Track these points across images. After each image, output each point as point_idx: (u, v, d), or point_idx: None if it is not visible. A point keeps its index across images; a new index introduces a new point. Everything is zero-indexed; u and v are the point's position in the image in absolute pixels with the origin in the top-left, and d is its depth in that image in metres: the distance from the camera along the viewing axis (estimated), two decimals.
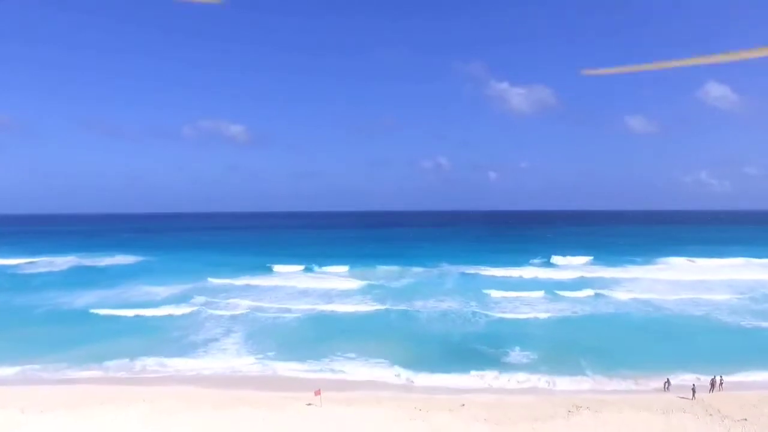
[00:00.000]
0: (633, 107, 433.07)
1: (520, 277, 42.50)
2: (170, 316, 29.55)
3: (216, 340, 24.85)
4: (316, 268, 48.30)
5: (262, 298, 34.50)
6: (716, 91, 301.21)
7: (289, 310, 31.13)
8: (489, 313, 29.66)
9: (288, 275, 44.75)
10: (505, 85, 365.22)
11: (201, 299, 33.66)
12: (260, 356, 22.36)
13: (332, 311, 31.14)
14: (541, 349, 22.48)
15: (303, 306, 32.30)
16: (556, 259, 53.03)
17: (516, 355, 22.08)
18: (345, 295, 35.68)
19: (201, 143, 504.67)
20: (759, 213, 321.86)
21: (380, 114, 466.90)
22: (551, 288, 36.58)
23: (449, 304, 32.38)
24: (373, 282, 40.04)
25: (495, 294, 34.53)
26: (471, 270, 44.55)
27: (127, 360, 21.71)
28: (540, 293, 34.88)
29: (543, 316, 29.10)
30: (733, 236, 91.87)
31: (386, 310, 30.98)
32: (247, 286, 39.49)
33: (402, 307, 31.51)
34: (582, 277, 41.90)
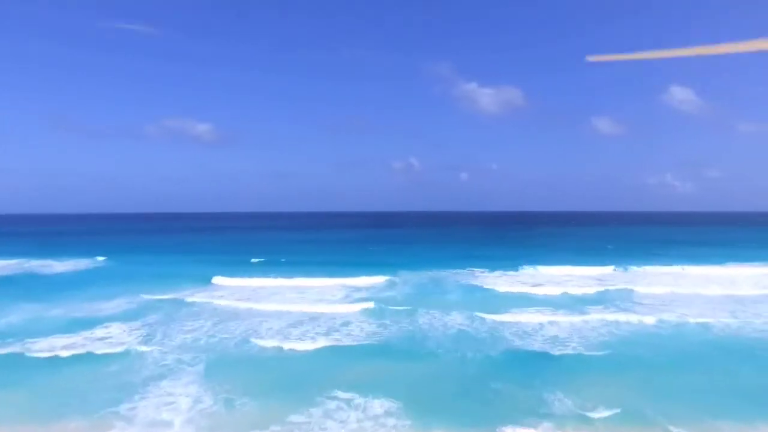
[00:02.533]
0: (600, 109, 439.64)
1: (524, 285, 38.12)
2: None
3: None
4: (292, 278, 41.25)
5: (222, 321, 26.08)
6: (680, 95, 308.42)
7: (252, 342, 22.06)
8: (505, 335, 23.19)
9: (256, 290, 35.68)
10: (473, 86, 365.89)
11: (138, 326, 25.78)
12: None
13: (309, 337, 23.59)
14: (587, 392, 16.28)
15: (271, 341, 22.31)
16: (547, 269, 49.16)
17: (557, 400, 15.70)
18: (323, 321, 27.23)
19: (166, 142, 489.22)
20: (721, 214, 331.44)
21: (351, 114, 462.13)
22: (565, 304, 31.42)
23: (455, 320, 25.71)
24: (358, 295, 33.26)
25: (502, 312, 28.57)
26: (469, 279, 40.14)
27: None
28: (553, 310, 30.24)
29: (571, 342, 22.18)
30: (713, 239, 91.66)
31: (381, 335, 23.39)
32: (205, 305, 30.19)
33: (401, 330, 24.37)
34: (603, 290, 37.39)
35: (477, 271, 43.85)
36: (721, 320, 25.10)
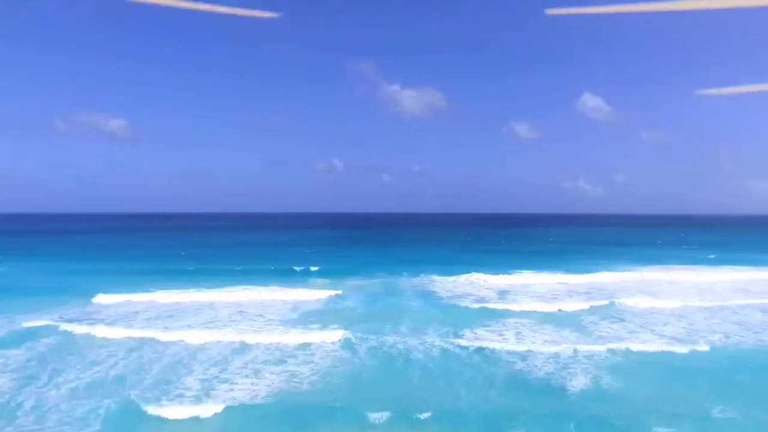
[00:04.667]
0: (519, 114, 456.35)
1: (483, 295, 34.25)
2: None
3: None
4: (217, 290, 33.45)
5: (107, 362, 19.72)
6: (591, 102, 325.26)
7: (150, 411, 15.64)
8: (482, 347, 18.82)
9: (166, 310, 28.30)
10: (396, 87, 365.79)
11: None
12: None
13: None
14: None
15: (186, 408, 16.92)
16: (494, 277, 46.14)
17: None
18: (277, 361, 21.32)
19: (76, 137, 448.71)
20: (628, 216, 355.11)
21: (272, 112, 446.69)
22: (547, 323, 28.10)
23: (424, 337, 20.74)
24: (309, 312, 28.11)
25: (471, 316, 24.73)
26: (423, 284, 35.93)
27: None
28: (523, 321, 26.55)
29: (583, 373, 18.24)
30: (635, 240, 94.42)
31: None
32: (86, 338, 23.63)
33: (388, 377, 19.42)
34: (591, 290, 34.51)
35: (428, 278, 39.51)
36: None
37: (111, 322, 23.88)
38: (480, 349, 20.03)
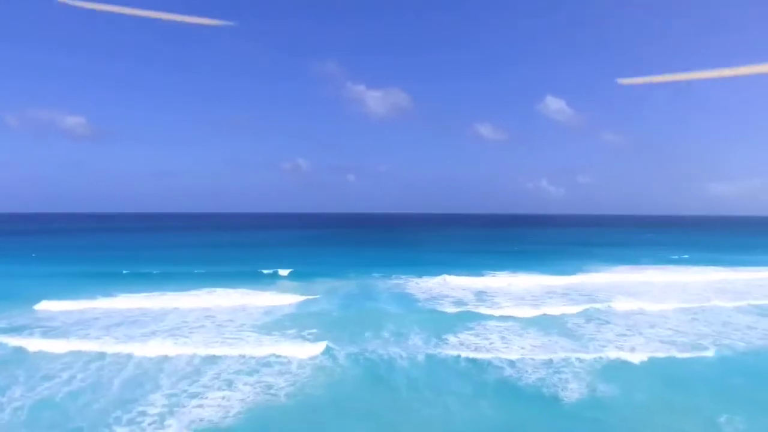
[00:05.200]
0: (483, 115, 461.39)
1: (460, 297, 33.26)
2: None
3: None
4: (181, 294, 31.56)
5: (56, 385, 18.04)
6: (554, 105, 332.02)
7: None
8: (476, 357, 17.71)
9: (123, 318, 26.22)
10: (362, 88, 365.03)
11: None
12: None
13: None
14: None
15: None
16: (469, 279, 45.44)
17: None
18: (257, 380, 19.65)
19: (31, 135, 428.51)
20: (590, 216, 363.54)
21: (237, 112, 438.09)
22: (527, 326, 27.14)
23: (407, 345, 19.46)
24: (283, 317, 26.52)
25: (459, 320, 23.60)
26: (398, 286, 34.65)
27: None
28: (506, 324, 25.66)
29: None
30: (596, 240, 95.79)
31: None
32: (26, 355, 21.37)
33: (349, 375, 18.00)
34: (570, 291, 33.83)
35: (402, 279, 38.34)
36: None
37: (55, 333, 21.71)
38: (466, 357, 18.96)
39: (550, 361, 18.34)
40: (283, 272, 40.31)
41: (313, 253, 63.25)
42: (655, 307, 28.00)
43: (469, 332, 22.74)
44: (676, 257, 58.45)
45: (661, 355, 19.20)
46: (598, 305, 28.18)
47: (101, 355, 18.62)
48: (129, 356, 18.58)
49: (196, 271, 40.59)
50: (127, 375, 16.85)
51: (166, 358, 18.31)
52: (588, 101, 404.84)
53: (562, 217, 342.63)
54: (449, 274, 40.66)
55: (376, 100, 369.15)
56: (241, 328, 22.95)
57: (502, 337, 21.88)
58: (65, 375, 16.74)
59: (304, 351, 19.31)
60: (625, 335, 22.27)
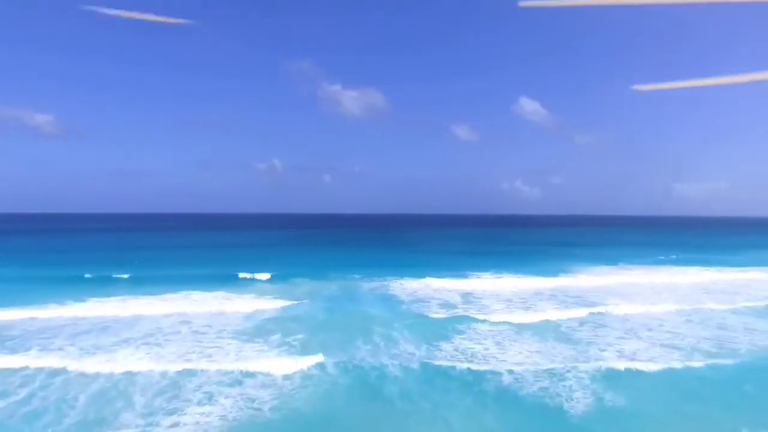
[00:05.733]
0: (459, 116, 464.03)
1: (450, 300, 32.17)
2: None
3: None
4: (151, 298, 29.66)
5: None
6: (528, 106, 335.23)
7: None
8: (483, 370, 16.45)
9: (89, 322, 24.45)
10: (337, 87, 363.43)
11: None
12: None
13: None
14: None
15: None
16: (453, 281, 44.58)
17: None
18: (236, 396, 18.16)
19: None
20: (564, 217, 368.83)
21: (209, 110, 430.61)
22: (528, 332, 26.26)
23: (397, 353, 18.31)
24: (265, 323, 24.55)
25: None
26: (382, 288, 33.40)
27: None
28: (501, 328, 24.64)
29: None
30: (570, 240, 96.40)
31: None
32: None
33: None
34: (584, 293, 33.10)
35: (385, 282, 37.18)
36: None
37: (13, 345, 19.79)
38: (463, 365, 17.90)
39: (551, 368, 17.40)
40: (263, 275, 38.69)
41: (291, 254, 61.65)
42: (649, 309, 27.41)
43: (462, 337, 21.74)
44: (659, 257, 58.65)
45: (665, 360, 18.44)
46: (591, 309, 27.44)
47: (66, 369, 16.94)
48: (97, 369, 16.96)
49: (170, 274, 38.60)
50: (95, 390, 15.29)
51: (138, 371, 16.76)
52: (561, 103, 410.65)
53: (538, 218, 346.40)
54: (433, 275, 39.76)
55: (351, 100, 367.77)
56: (221, 336, 21.48)
57: (497, 343, 20.91)
58: (23, 392, 15.10)
59: (290, 360, 17.99)
60: (624, 339, 21.53)
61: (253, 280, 37.53)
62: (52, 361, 17.39)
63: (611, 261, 54.04)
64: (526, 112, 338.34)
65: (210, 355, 18.61)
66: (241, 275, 38.25)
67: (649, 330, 23.02)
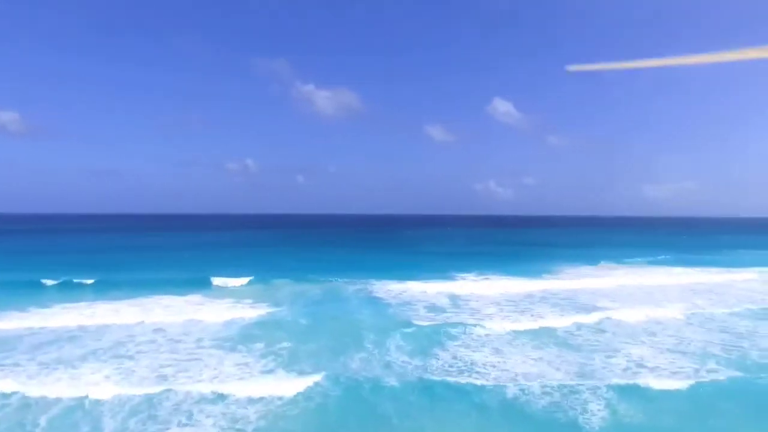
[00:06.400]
0: (433, 117, 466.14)
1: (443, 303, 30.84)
2: None
3: None
4: (116, 304, 27.73)
5: None
6: (502, 107, 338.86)
7: None
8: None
9: (50, 334, 22.53)
10: (311, 87, 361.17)
11: None
12: None
13: None
14: None
15: None
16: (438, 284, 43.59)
17: None
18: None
19: None
20: (537, 217, 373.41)
21: (184, 110, 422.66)
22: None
23: (392, 362, 17.05)
24: (245, 328, 22.84)
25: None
26: (366, 292, 31.93)
27: None
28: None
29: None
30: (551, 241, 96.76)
31: None
32: None
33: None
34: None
35: (368, 284, 35.81)
36: None
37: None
38: (464, 379, 16.67)
39: (560, 381, 16.29)
40: (240, 279, 36.71)
41: (268, 256, 59.71)
42: (648, 314, 26.38)
43: (457, 344, 20.55)
44: (637, 258, 58.61)
45: (677, 369, 17.54)
46: (590, 314, 26.50)
47: (23, 388, 15.08)
48: (60, 388, 15.15)
49: (142, 278, 36.42)
50: (58, 414, 13.53)
51: (107, 390, 15.02)
52: (534, 104, 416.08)
53: (512, 218, 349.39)
54: (417, 277, 38.73)
55: (325, 100, 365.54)
56: (199, 347, 19.80)
57: (496, 350, 19.77)
58: None
59: (277, 374, 16.51)
60: (629, 344, 20.61)
61: (231, 283, 35.59)
62: (6, 381, 15.46)
63: (591, 261, 53.85)
64: (500, 112, 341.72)
65: (187, 369, 16.95)
66: (217, 280, 36.11)
67: (653, 335, 22.16)
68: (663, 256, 60.47)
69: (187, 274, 39.31)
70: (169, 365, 17.31)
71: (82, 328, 22.21)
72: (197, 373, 16.55)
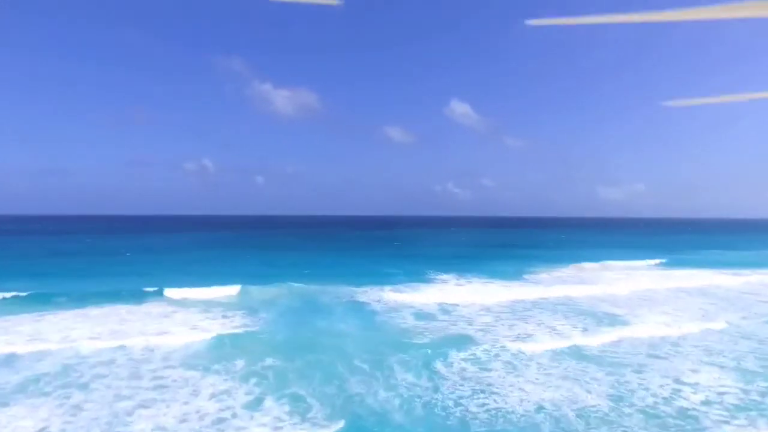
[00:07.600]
0: (392, 119, 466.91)
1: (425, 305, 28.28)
2: None
3: None
4: (68, 313, 24.12)
5: None
6: (460, 109, 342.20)
7: None
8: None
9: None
10: (268, 86, 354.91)
11: None
12: None
13: None
14: None
15: None
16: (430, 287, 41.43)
17: None
18: None
19: None
20: (495, 218, 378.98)
21: (135, 108, 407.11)
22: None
23: (397, 385, 14.51)
24: (226, 345, 19.89)
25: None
26: (348, 299, 28.98)
27: None
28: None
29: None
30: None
31: None
32: None
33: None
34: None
35: (349, 290, 33.12)
36: None
37: None
38: (480, 399, 14.29)
39: (595, 405, 14.11)
40: (213, 288, 32.25)
41: (232, 259, 56.07)
42: (670, 327, 24.59)
43: (463, 359, 18.20)
44: (610, 260, 57.93)
45: (719, 388, 15.69)
46: (596, 321, 24.72)
47: None
48: None
49: (90, 289, 32.10)
50: None
51: None
52: (491, 106, 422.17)
53: (472, 219, 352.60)
54: (395, 281, 36.85)
55: (283, 99, 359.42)
56: (167, 371, 16.63)
57: (509, 365, 17.50)
58: None
59: (264, 404, 13.66)
60: (657, 359, 18.70)
61: (198, 292, 31.41)
62: None
63: (563, 261, 52.96)
64: (457, 114, 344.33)
65: (152, 404, 13.84)
66: (181, 287, 31.85)
67: (675, 349, 20.37)
68: (650, 259, 58.71)
69: (144, 280, 35.23)
70: (130, 398, 14.15)
71: (13, 356, 18.46)
72: (166, 409, 13.47)
